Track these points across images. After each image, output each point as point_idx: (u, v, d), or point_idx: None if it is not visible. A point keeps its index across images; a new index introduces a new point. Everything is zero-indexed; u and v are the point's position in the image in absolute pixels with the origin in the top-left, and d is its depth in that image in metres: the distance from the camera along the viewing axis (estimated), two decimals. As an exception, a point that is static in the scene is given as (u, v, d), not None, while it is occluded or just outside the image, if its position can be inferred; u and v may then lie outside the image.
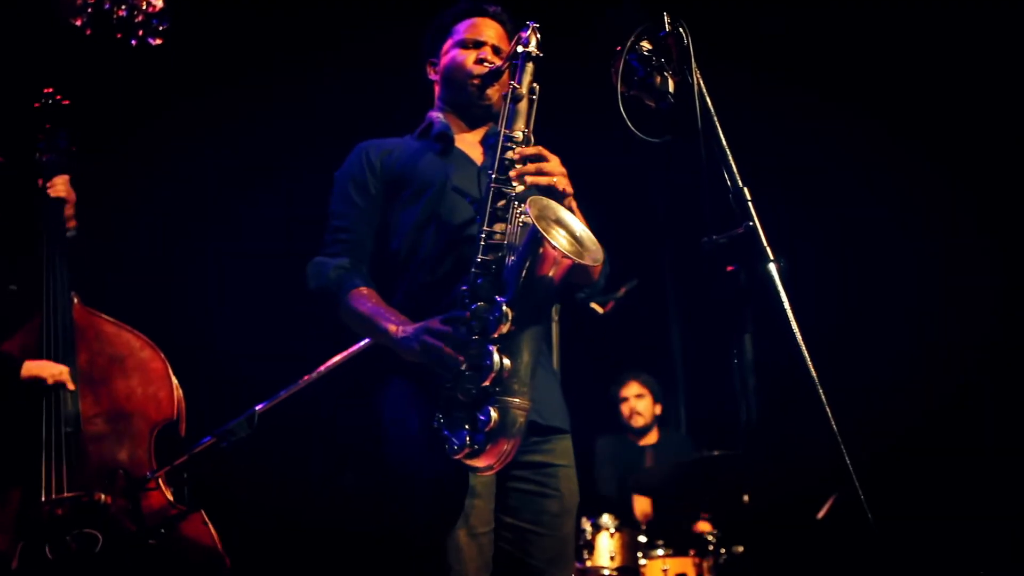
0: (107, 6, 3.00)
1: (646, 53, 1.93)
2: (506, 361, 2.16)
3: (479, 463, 2.22)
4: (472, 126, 2.69)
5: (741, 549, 4.74)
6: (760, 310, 1.76)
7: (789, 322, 1.69)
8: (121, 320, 3.44)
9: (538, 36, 2.43)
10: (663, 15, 1.95)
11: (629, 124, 1.92)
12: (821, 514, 4.96)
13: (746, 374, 1.76)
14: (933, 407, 5.06)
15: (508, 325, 2.16)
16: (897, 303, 5.32)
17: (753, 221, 1.77)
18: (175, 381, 3.38)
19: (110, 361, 3.34)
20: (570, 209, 2.33)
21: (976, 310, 5.11)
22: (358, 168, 2.61)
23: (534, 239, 2.16)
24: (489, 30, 2.66)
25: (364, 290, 2.47)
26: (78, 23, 3.03)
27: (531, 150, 2.36)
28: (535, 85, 2.42)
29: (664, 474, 5.29)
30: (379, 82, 4.91)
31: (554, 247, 2.13)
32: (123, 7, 2.99)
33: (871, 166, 5.36)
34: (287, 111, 4.94)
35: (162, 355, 3.38)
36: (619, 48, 1.92)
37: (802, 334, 1.70)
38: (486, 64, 2.59)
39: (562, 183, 2.34)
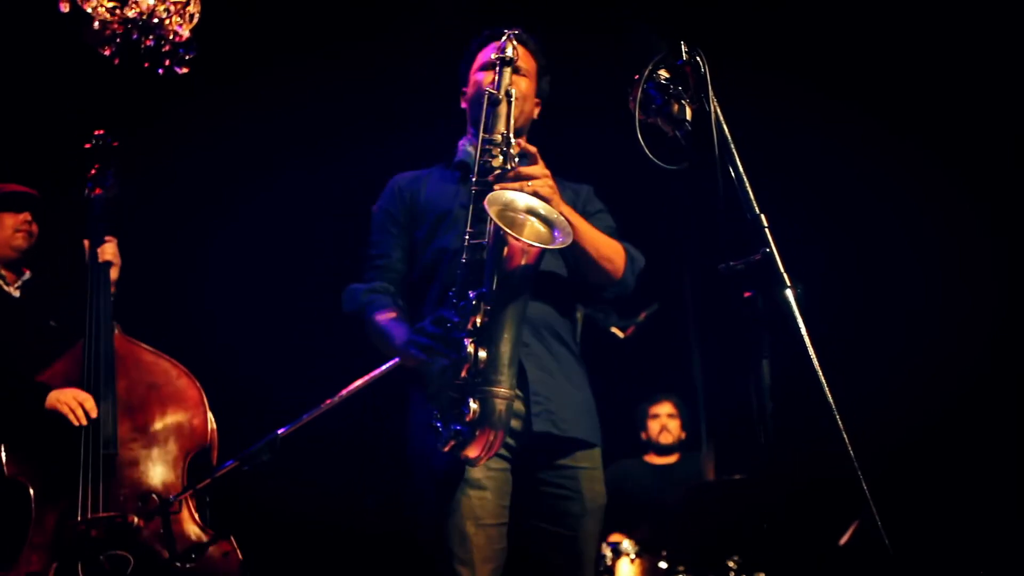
0: (135, 36, 3.07)
1: (664, 81, 1.96)
2: (481, 352, 2.23)
3: (468, 453, 2.29)
4: None
5: None
6: (777, 335, 1.77)
7: (806, 348, 1.70)
8: (144, 343, 3.51)
9: (514, 43, 2.53)
10: (680, 43, 1.97)
11: (647, 151, 1.94)
12: (844, 540, 4.92)
13: (764, 399, 1.77)
14: (948, 418, 5.03)
15: (480, 316, 2.24)
16: (906, 318, 5.28)
17: (770, 247, 1.78)
18: (207, 408, 3.45)
19: (148, 388, 3.44)
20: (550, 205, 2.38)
21: (988, 323, 5.08)
22: (390, 201, 2.77)
23: (497, 233, 2.25)
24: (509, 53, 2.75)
25: (388, 310, 2.61)
26: (106, 52, 3.10)
27: (527, 147, 2.48)
28: (512, 88, 2.51)
29: (682, 496, 5.27)
30: (391, 77, 4.95)
31: (516, 238, 2.22)
32: (151, 37, 3.05)
33: (876, 168, 5.33)
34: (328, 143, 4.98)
35: (198, 384, 3.49)
36: (637, 76, 1.95)
37: (815, 351, 1.71)
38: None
39: (543, 188, 2.39)
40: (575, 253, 2.53)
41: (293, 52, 4.89)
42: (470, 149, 2.72)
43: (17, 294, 3.53)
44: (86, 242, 3.51)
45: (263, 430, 3.22)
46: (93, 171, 3.62)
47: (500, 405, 2.26)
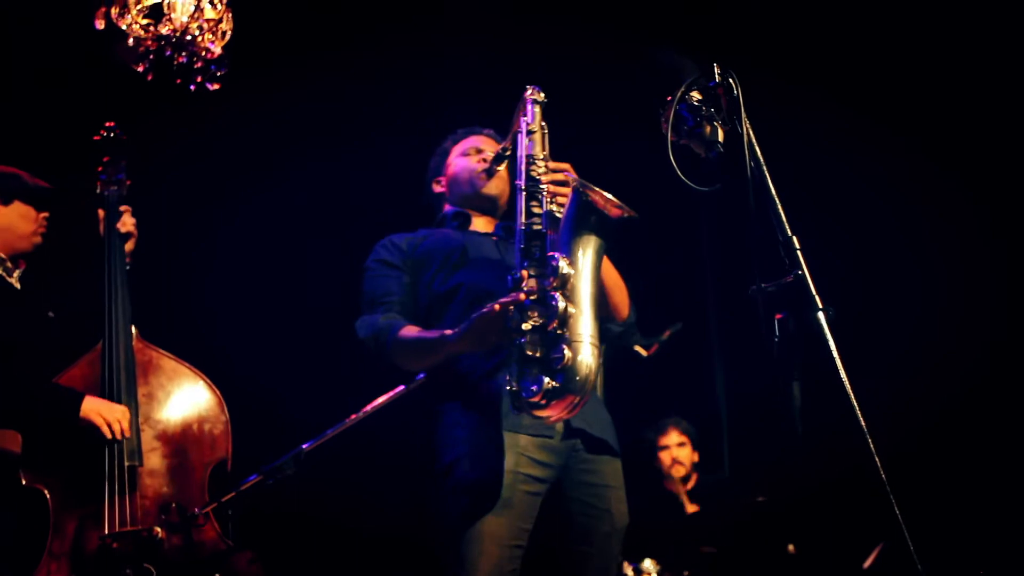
0: (168, 52, 3.10)
1: (696, 103, 1.97)
2: (571, 308, 2.36)
3: (548, 412, 2.36)
4: (481, 216, 2.99)
5: (785, 597, 4.68)
6: (808, 357, 1.77)
7: (838, 371, 1.70)
8: (172, 352, 3.49)
9: (541, 95, 2.75)
10: (713, 65, 1.99)
11: (679, 173, 1.95)
12: (868, 563, 4.88)
13: (795, 421, 1.76)
14: (947, 420, 4.99)
15: (566, 273, 2.37)
16: (905, 318, 5.23)
17: (802, 270, 1.78)
18: (227, 418, 3.42)
19: (168, 396, 3.40)
20: None
21: (988, 324, 5.03)
22: (386, 251, 2.89)
23: (579, 197, 2.44)
24: (486, 144, 3.01)
25: (411, 327, 2.70)
26: (140, 69, 3.14)
27: (560, 165, 2.65)
28: (544, 123, 2.72)
29: (707, 521, 5.24)
30: (399, 76, 4.95)
31: (600, 193, 2.41)
32: (183, 53, 3.09)
33: (875, 168, 5.29)
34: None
35: (218, 392, 3.44)
36: (669, 98, 1.96)
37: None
38: (488, 160, 2.92)
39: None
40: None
41: (299, 51, 4.85)
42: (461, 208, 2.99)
43: (18, 285, 3.52)
44: (100, 229, 3.51)
45: (269, 439, 3.22)
46: (102, 165, 3.60)
47: (593, 352, 2.35)
